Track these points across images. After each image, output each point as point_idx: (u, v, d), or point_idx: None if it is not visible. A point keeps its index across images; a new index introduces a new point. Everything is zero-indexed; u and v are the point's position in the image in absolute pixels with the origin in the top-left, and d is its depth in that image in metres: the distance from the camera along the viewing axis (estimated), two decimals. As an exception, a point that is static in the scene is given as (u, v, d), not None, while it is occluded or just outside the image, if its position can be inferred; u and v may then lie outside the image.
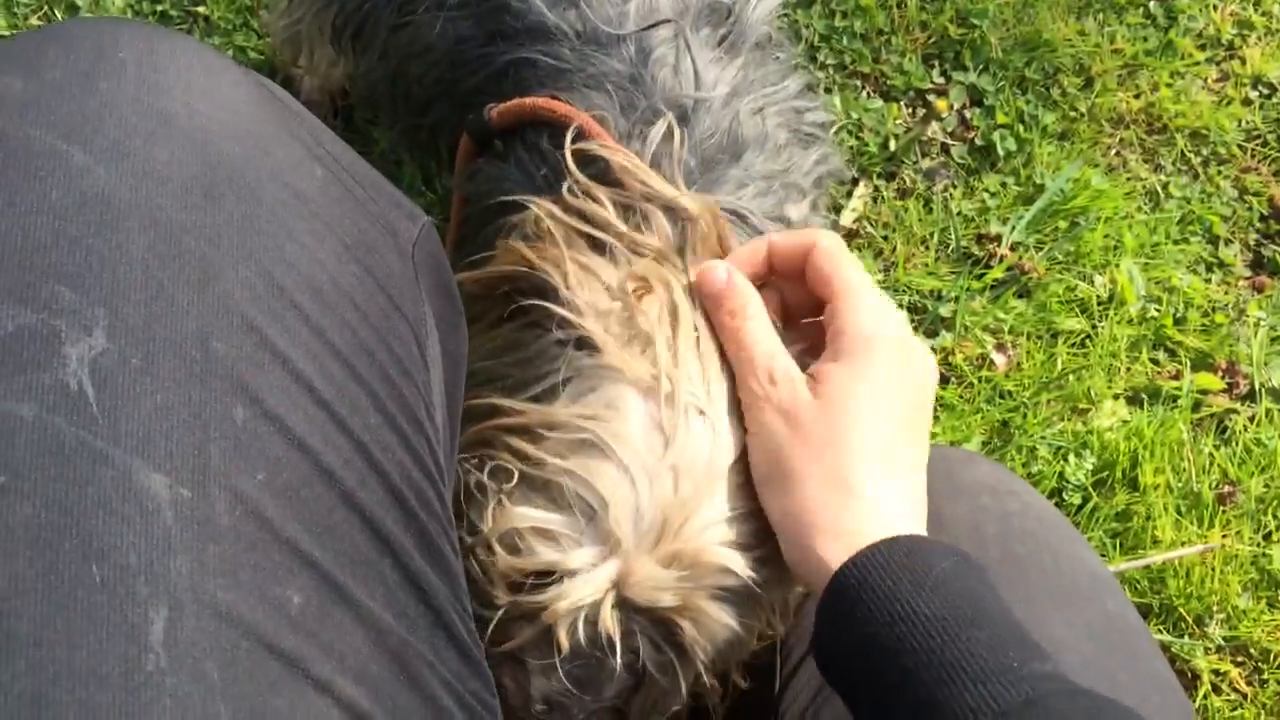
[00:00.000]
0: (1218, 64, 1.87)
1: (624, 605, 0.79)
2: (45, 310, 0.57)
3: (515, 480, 0.81)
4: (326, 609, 0.62)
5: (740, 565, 0.80)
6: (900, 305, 1.63)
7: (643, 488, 0.78)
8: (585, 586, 0.78)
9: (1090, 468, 1.55)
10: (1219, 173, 1.79)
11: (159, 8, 1.69)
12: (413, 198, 1.19)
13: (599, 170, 0.90)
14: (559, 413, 0.81)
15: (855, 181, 1.71)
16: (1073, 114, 1.79)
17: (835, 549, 0.74)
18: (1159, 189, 1.78)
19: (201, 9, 1.69)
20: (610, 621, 0.79)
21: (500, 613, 0.81)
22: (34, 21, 1.66)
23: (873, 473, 0.77)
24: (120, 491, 0.55)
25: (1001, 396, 1.60)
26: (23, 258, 0.58)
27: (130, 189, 0.62)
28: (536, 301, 0.85)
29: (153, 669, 0.52)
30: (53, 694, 0.50)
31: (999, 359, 1.61)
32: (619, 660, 0.79)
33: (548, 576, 0.79)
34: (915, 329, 1.62)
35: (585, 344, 0.83)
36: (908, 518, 0.77)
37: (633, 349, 0.82)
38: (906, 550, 0.72)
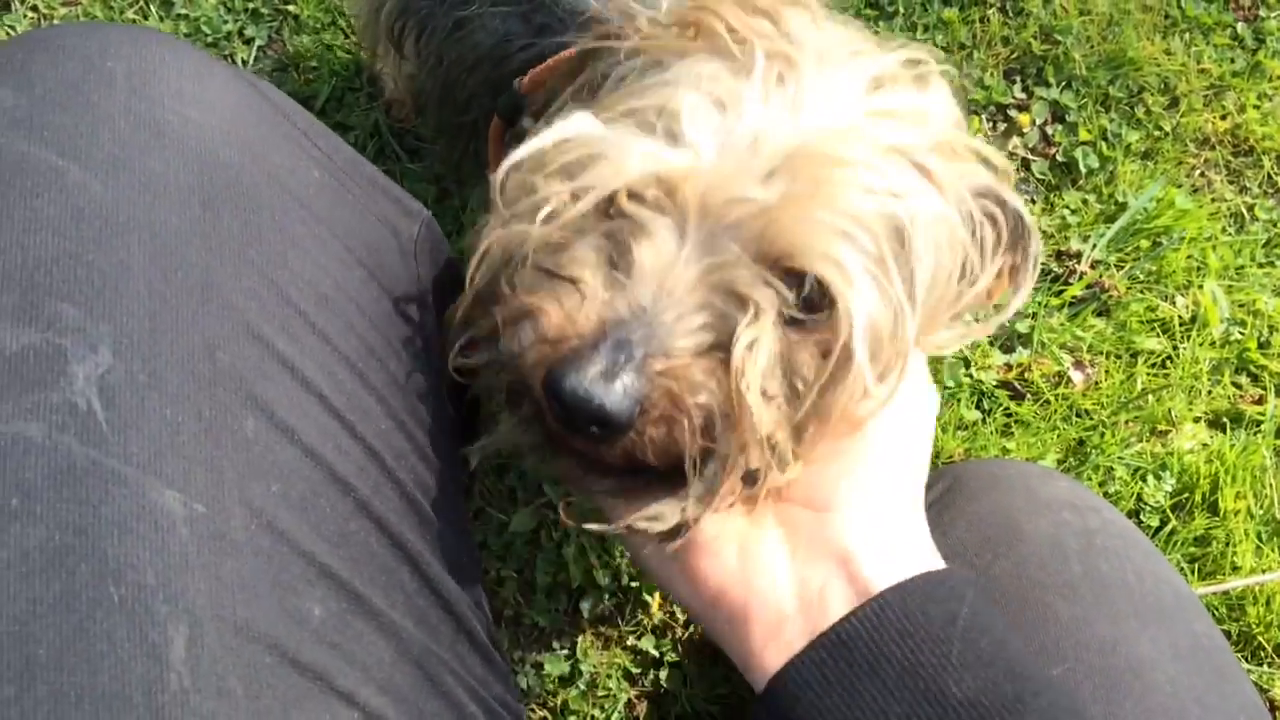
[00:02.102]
0: (1308, 85, 1.83)
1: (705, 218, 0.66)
2: (50, 328, 0.56)
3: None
4: (347, 620, 0.61)
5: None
6: (976, 320, 1.61)
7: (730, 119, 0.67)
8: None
9: (1169, 490, 1.52)
10: (1308, 195, 1.76)
11: (250, 6, 1.73)
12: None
13: None
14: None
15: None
16: (1157, 133, 1.76)
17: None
18: (1244, 211, 1.74)
19: (291, 7, 1.73)
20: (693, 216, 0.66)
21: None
22: (129, 16, 1.70)
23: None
24: (134, 510, 0.54)
25: (1079, 415, 1.58)
26: (24, 275, 0.57)
27: (128, 202, 0.61)
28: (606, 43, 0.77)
29: (176, 688, 0.51)
30: (76, 718, 0.49)
31: (1077, 377, 1.59)
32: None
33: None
34: (992, 344, 1.61)
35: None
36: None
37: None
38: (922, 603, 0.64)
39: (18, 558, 0.51)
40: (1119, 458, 1.54)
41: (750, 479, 0.68)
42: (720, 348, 0.66)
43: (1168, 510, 1.52)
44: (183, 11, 1.71)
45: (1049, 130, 1.75)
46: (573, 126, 0.69)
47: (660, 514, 0.68)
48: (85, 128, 0.62)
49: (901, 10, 1.79)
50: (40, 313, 0.56)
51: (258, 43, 1.72)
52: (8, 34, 1.66)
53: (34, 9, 1.69)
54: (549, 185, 0.69)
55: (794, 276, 0.66)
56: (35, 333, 0.55)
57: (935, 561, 0.67)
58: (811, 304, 0.67)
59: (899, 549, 0.67)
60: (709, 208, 0.66)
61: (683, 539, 0.68)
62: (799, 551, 0.68)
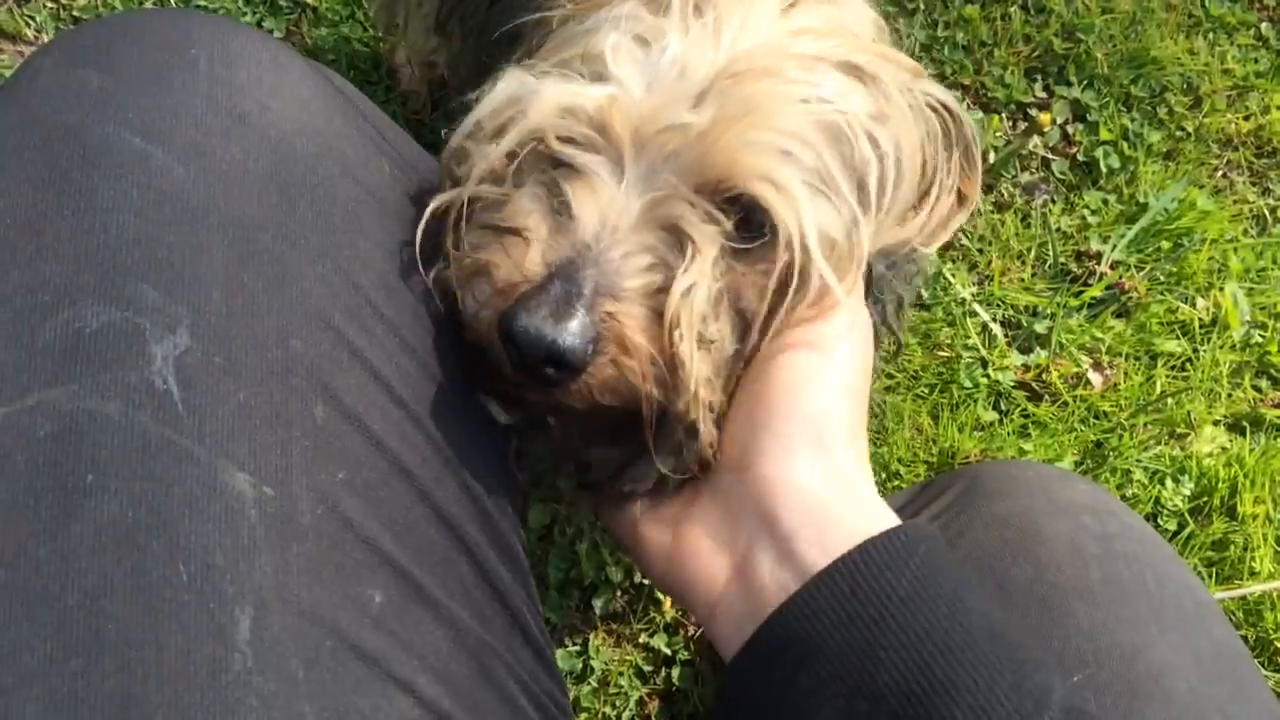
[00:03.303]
0: (1334, 86, 1.82)
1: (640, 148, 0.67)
2: (130, 308, 0.57)
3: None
4: (406, 607, 0.62)
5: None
6: (994, 320, 1.61)
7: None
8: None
9: (1188, 494, 1.51)
10: (1331, 198, 1.74)
11: (270, -1, 1.73)
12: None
13: None
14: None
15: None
16: (1179, 133, 1.75)
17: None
18: (1266, 212, 1.73)
19: (310, 0, 1.72)
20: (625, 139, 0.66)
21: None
22: (149, 5, 1.70)
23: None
24: (206, 490, 0.54)
25: (1097, 417, 1.57)
26: (106, 255, 0.58)
27: (208, 187, 0.62)
28: None
29: (240, 668, 0.52)
30: (141, 693, 0.49)
31: (1095, 378, 1.58)
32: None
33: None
34: (1010, 344, 1.60)
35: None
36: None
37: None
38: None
39: (91, 533, 0.51)
40: (1137, 460, 1.53)
41: (691, 432, 0.68)
42: (665, 290, 0.66)
43: (1186, 514, 1.51)
44: (202, 3, 1.71)
45: (1070, 129, 1.74)
46: (501, 87, 0.70)
47: (643, 474, 0.69)
48: (168, 112, 0.63)
49: (922, 6, 1.78)
50: (121, 292, 0.57)
51: (276, 34, 1.71)
52: (26, 23, 1.66)
53: (54, 0, 1.69)
54: (481, 148, 0.70)
55: (734, 202, 0.67)
56: (116, 311, 0.56)
57: (872, 514, 0.63)
58: (753, 228, 0.68)
59: (830, 504, 0.63)
60: (643, 140, 0.67)
61: (636, 503, 0.69)
62: (725, 518, 0.67)
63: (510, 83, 0.70)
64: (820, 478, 0.64)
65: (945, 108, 0.77)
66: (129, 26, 0.67)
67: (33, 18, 1.67)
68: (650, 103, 0.66)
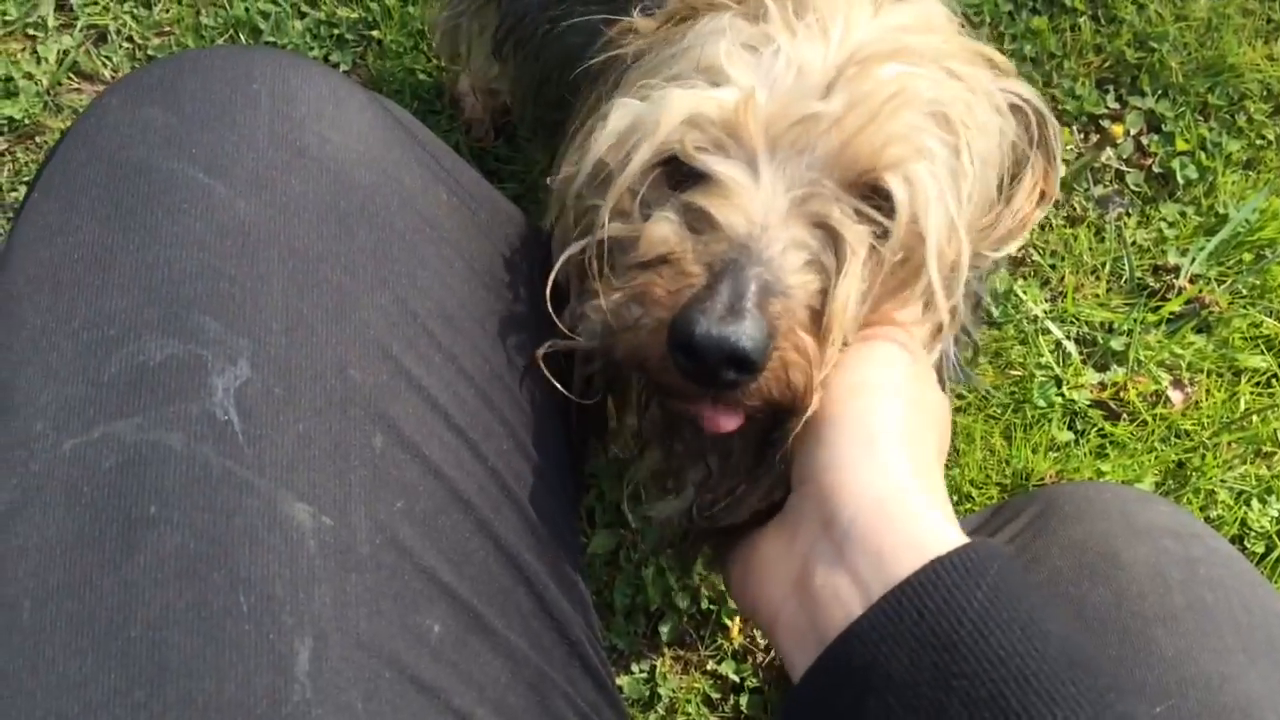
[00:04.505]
0: None
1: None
2: (192, 340, 0.58)
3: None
4: (465, 638, 0.61)
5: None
6: (1069, 337, 1.57)
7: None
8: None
9: (1276, 514, 1.45)
10: None
11: (335, 32, 1.76)
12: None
13: None
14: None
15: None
16: (1260, 141, 1.69)
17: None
18: (1354, 221, 1.66)
19: (375, 33, 1.75)
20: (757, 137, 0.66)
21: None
22: (220, 43, 1.72)
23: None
24: (266, 521, 0.55)
25: (1178, 436, 1.52)
26: (169, 289, 0.59)
27: (269, 220, 0.63)
28: None
29: (299, 700, 0.52)
30: None
31: (1175, 396, 1.53)
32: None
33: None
34: (1085, 362, 1.56)
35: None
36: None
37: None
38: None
39: (154, 564, 0.52)
40: (1221, 480, 1.47)
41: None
42: (821, 290, 0.65)
43: (1274, 536, 1.45)
44: (270, 39, 1.74)
45: (1144, 140, 1.69)
46: (615, 118, 0.70)
47: (774, 490, 0.69)
48: (230, 147, 0.64)
49: (989, 19, 1.75)
50: (184, 325, 0.58)
51: (343, 68, 1.74)
52: (104, 63, 1.71)
53: (129, 39, 1.74)
54: (605, 187, 0.70)
55: (877, 190, 0.67)
56: (179, 344, 0.57)
57: (926, 519, 0.60)
58: (885, 215, 0.67)
59: (884, 509, 0.60)
60: (776, 136, 0.66)
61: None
62: (785, 529, 0.66)
63: (623, 112, 0.70)
64: (873, 482, 0.62)
65: (1029, 104, 0.76)
66: (194, 64, 0.69)
67: (109, 57, 1.72)
68: (778, 99, 0.66)
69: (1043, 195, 0.78)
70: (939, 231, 0.67)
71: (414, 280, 0.68)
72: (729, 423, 0.67)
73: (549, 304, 0.72)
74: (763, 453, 0.69)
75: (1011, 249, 0.78)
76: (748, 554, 0.69)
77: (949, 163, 0.68)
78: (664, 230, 0.67)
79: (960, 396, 1.54)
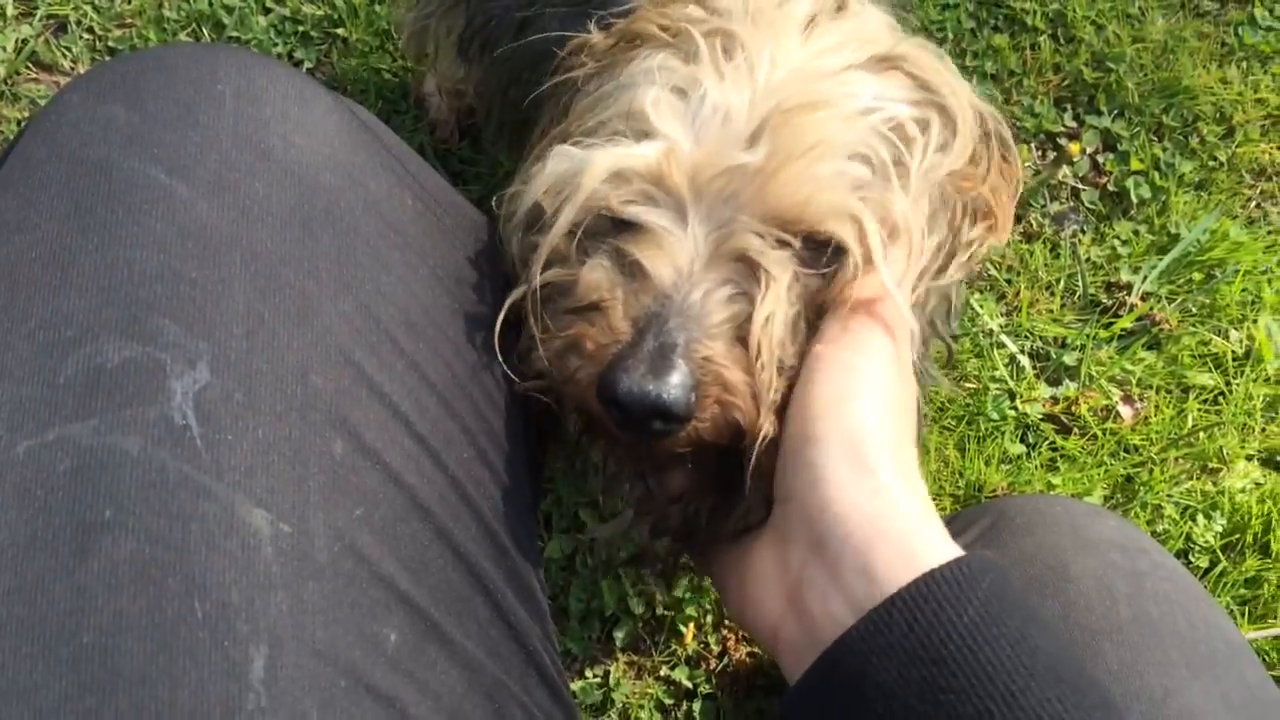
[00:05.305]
0: (1369, 116, 1.79)
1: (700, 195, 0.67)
2: (151, 343, 0.57)
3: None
4: (422, 647, 0.61)
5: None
6: (1023, 351, 1.59)
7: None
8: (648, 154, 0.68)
9: (1220, 530, 1.48)
10: (1368, 229, 1.71)
11: (300, 29, 1.74)
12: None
13: None
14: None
15: (980, 224, 1.68)
16: (1212, 163, 1.73)
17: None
18: (1301, 243, 1.70)
19: (340, 30, 1.74)
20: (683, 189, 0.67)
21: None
22: (183, 37, 1.73)
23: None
24: (223, 527, 0.54)
25: (1127, 451, 1.55)
26: (129, 290, 0.58)
27: (231, 222, 0.62)
28: None
29: (253, 708, 0.51)
30: None
31: (1125, 411, 1.56)
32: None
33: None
34: (1038, 376, 1.58)
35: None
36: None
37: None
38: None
39: (107, 569, 0.51)
40: (1168, 495, 1.50)
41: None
42: (749, 320, 0.67)
43: (1218, 551, 1.48)
44: (234, 34, 1.73)
45: (1100, 159, 1.72)
46: (551, 166, 0.71)
47: (754, 510, 0.69)
48: (193, 148, 0.64)
49: (951, 36, 1.78)
50: (142, 327, 0.57)
51: (307, 65, 1.73)
52: (63, 54, 1.69)
53: (90, 31, 1.71)
54: (540, 235, 0.71)
55: (808, 238, 0.68)
56: (137, 346, 0.56)
57: (916, 532, 0.61)
58: (819, 244, 0.69)
59: (873, 523, 0.60)
60: (701, 185, 0.67)
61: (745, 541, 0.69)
62: (777, 544, 0.66)
63: (559, 160, 0.71)
64: (860, 496, 0.61)
65: (989, 120, 0.78)
66: (157, 62, 0.68)
67: (69, 48, 1.70)
68: (702, 150, 0.67)
69: (991, 228, 0.80)
70: (895, 266, 0.68)
71: (378, 285, 0.68)
72: (673, 482, 0.72)
73: (497, 350, 0.73)
74: (731, 475, 0.69)
75: (959, 276, 0.79)
76: (741, 569, 0.69)
77: (881, 167, 0.68)
78: (597, 276, 0.69)
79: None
